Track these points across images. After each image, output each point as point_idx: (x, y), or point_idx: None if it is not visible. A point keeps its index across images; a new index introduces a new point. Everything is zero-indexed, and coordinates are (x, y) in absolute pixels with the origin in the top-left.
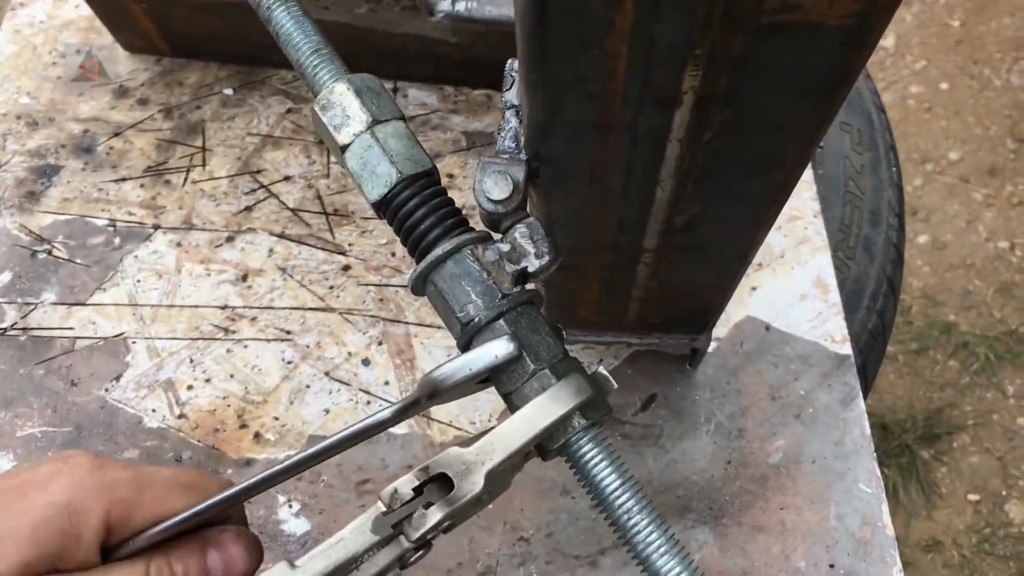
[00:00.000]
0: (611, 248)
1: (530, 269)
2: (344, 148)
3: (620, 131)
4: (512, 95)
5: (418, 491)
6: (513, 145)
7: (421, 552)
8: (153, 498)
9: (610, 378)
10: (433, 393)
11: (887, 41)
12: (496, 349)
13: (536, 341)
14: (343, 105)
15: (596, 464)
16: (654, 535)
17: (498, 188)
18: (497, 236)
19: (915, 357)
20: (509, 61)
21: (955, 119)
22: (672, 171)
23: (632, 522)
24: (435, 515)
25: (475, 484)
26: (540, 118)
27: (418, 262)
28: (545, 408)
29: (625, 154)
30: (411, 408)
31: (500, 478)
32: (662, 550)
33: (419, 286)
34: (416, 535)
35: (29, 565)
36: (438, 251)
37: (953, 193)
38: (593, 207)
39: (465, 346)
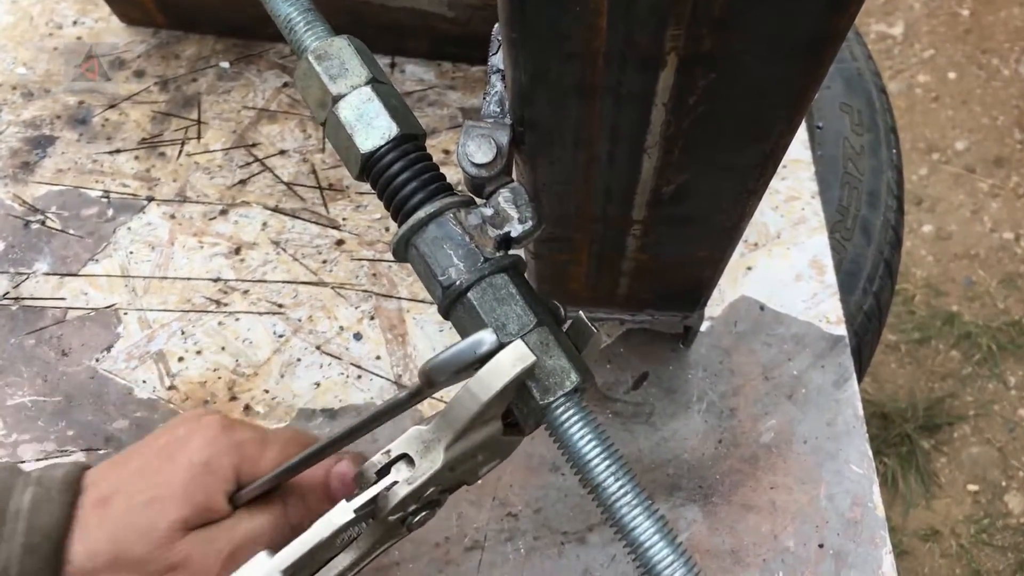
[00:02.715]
0: (599, 219)
1: (513, 234)
2: (338, 98)
3: (604, 94)
4: (498, 59)
5: (383, 472)
6: (498, 110)
7: (425, 514)
8: (273, 454)
9: (591, 326)
10: (430, 384)
11: (895, 29)
12: (477, 344)
13: (503, 313)
14: (342, 58)
15: (573, 431)
16: (631, 502)
17: (481, 152)
18: (481, 202)
19: (917, 347)
20: (496, 25)
21: (962, 109)
22: (658, 137)
23: (609, 489)
24: (399, 493)
25: (435, 461)
26: (523, 80)
27: (400, 225)
28: (485, 380)
29: (609, 118)
30: (417, 395)
31: (465, 456)
32: (640, 518)
33: (401, 249)
34: (386, 512)
35: (186, 520)
36: (421, 213)
37: (959, 183)
38: (579, 175)
39: (446, 311)
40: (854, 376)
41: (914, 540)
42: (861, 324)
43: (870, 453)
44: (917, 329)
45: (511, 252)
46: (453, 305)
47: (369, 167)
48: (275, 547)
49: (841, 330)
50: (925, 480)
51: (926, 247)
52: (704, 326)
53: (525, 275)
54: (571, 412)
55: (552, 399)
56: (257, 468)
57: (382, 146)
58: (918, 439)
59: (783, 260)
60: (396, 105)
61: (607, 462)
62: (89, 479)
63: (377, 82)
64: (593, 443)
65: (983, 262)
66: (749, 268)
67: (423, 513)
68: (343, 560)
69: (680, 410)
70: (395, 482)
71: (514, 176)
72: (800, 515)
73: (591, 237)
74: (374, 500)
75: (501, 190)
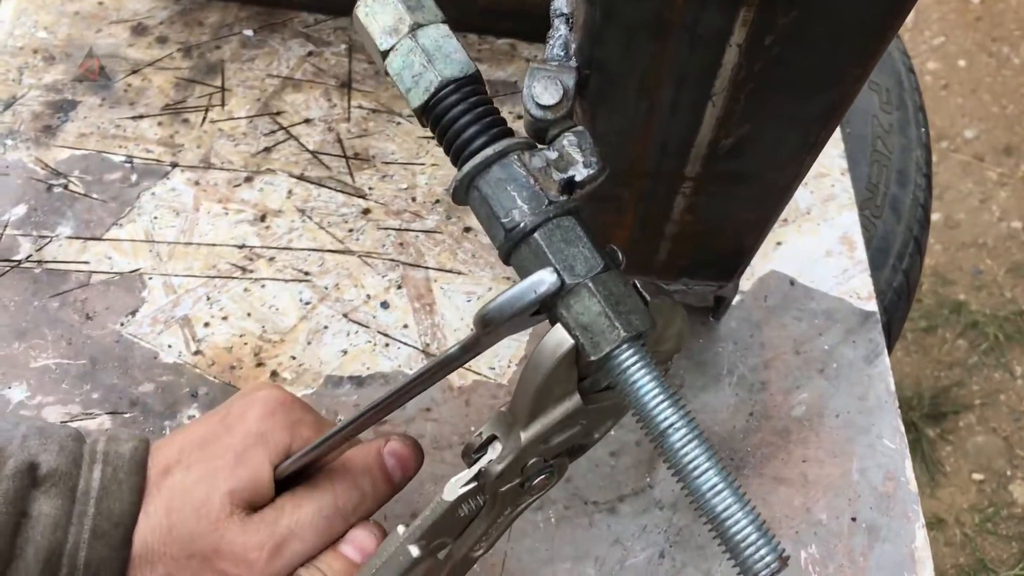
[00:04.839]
0: (651, 175)
1: (577, 178)
2: (386, 53)
3: (679, 32)
4: (562, 2)
5: (480, 450)
6: (562, 53)
7: (543, 477)
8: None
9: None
10: (486, 327)
11: None
12: (537, 284)
13: (572, 254)
14: (385, 9)
15: (629, 382)
16: (697, 452)
17: (548, 93)
18: (544, 146)
19: (924, 335)
20: None
21: (972, 97)
22: (726, 83)
23: (669, 439)
24: (492, 471)
25: (516, 441)
26: (596, 18)
27: (460, 167)
28: (530, 369)
29: (680, 61)
30: (472, 347)
31: (552, 430)
32: (705, 466)
33: (462, 191)
34: (492, 487)
35: (233, 492)
36: (488, 151)
37: (967, 171)
38: (638, 125)
39: (507, 254)
40: (885, 351)
41: None
42: (891, 301)
43: (902, 428)
44: (924, 318)
45: (575, 197)
46: (516, 247)
47: (427, 114)
48: (324, 536)
49: (872, 306)
50: (930, 469)
51: (934, 235)
52: (734, 300)
53: None
54: (624, 363)
55: (601, 354)
56: (303, 449)
57: (429, 99)
58: (924, 428)
59: (813, 236)
60: (440, 51)
61: (666, 412)
62: (154, 451)
63: (420, 27)
64: (652, 392)
65: (991, 251)
66: (779, 243)
67: (541, 477)
68: (479, 525)
69: (711, 383)
70: (490, 460)
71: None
72: (832, 488)
73: (640, 196)
74: (476, 478)
75: (565, 133)
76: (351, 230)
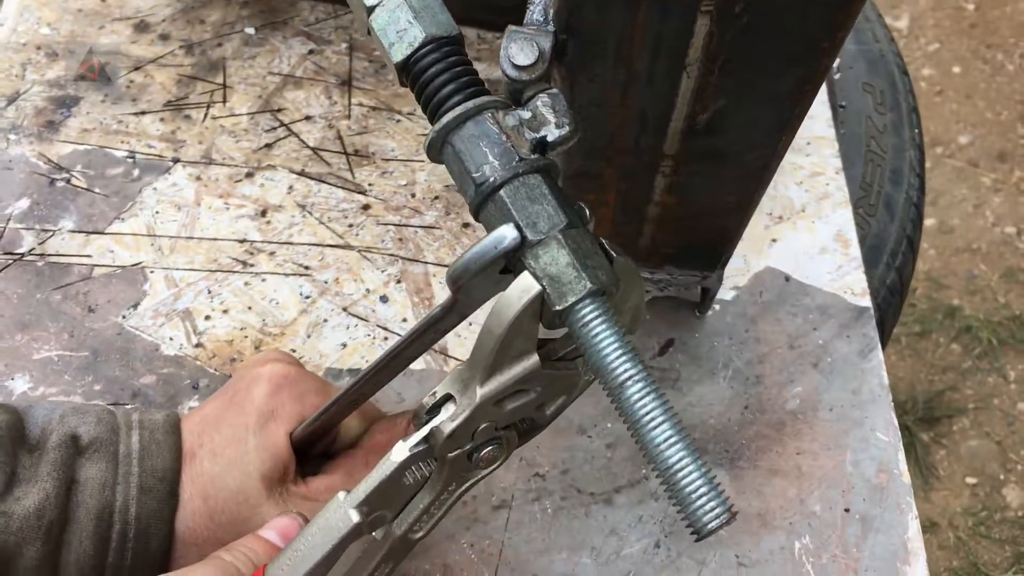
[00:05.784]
0: (631, 151)
1: (550, 138)
2: (371, 9)
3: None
4: None
5: (433, 411)
6: (541, 19)
7: (491, 449)
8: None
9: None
10: (456, 284)
11: (901, 23)
12: (497, 239)
13: (535, 211)
14: None
15: (589, 334)
16: (653, 405)
17: (523, 54)
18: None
19: (918, 339)
20: None
21: (966, 103)
22: (700, 52)
23: (626, 391)
24: (444, 430)
25: (472, 398)
26: None
27: (436, 123)
28: (496, 315)
29: (654, 27)
30: (451, 306)
31: (507, 390)
32: (660, 418)
33: (436, 147)
34: (440, 449)
35: (264, 474)
36: (459, 110)
37: (962, 177)
38: (616, 95)
39: (476, 210)
40: (879, 346)
41: None
42: (884, 298)
43: (895, 421)
44: (918, 322)
45: (546, 156)
46: (485, 203)
47: (406, 73)
48: None
49: (866, 301)
50: (924, 472)
51: (928, 240)
52: (730, 295)
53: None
54: (587, 316)
55: (566, 304)
56: (312, 416)
57: (411, 54)
58: (917, 431)
59: (808, 233)
60: (425, 9)
61: (626, 365)
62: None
63: None
64: (611, 346)
65: (985, 256)
66: (774, 240)
67: (488, 449)
68: (422, 499)
69: (706, 376)
70: (442, 420)
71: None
72: (826, 480)
73: (620, 173)
74: (426, 439)
75: (540, 95)
76: (351, 225)
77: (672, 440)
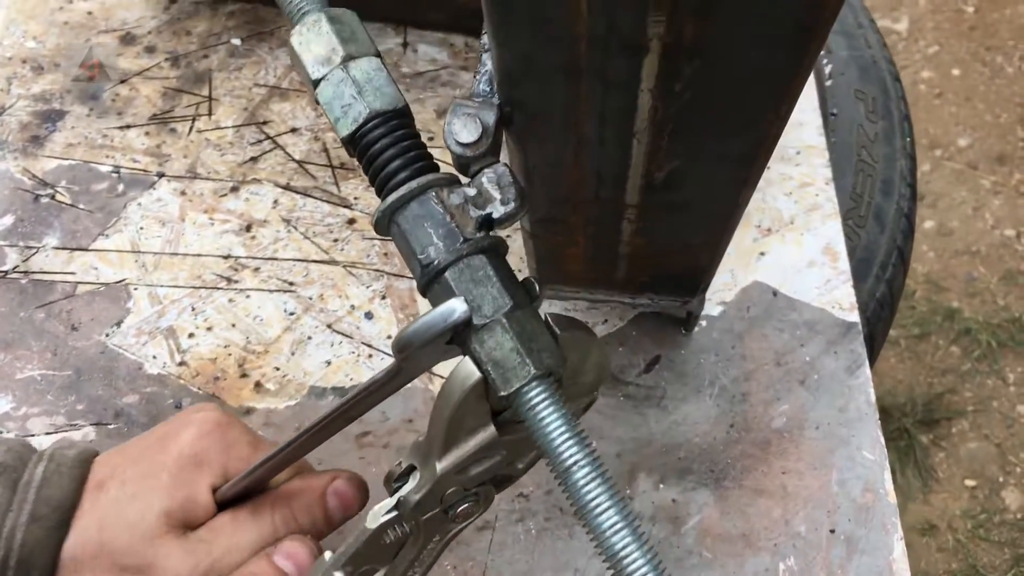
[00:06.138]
0: (593, 201)
1: (495, 215)
2: (316, 82)
3: (590, 77)
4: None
5: (401, 479)
6: (488, 88)
7: (467, 506)
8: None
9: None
10: (402, 353)
11: (900, 25)
12: (446, 312)
13: (479, 294)
14: (319, 39)
15: (536, 418)
16: (599, 491)
17: (466, 131)
18: (466, 180)
19: (917, 342)
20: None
21: (966, 105)
22: (646, 123)
23: (573, 476)
24: (411, 500)
25: (432, 472)
26: (508, 61)
27: (383, 200)
28: (440, 403)
29: (597, 102)
30: (396, 373)
31: (468, 461)
32: (605, 504)
33: (383, 225)
34: (410, 516)
35: (170, 513)
36: (403, 191)
37: (961, 179)
38: (569, 157)
39: (424, 289)
40: (867, 363)
41: (911, 534)
42: (873, 312)
43: (882, 440)
44: (917, 324)
45: (492, 234)
46: (431, 284)
47: (354, 146)
48: None
49: (854, 317)
50: (923, 475)
51: (927, 243)
52: (716, 311)
53: (523, 254)
54: (532, 399)
55: (511, 389)
56: (245, 469)
57: (356, 130)
58: (916, 434)
59: (796, 246)
60: (370, 83)
61: (572, 450)
62: (96, 462)
63: (352, 58)
64: (557, 430)
65: (984, 259)
66: (762, 253)
67: (463, 507)
68: (408, 552)
69: (692, 394)
70: (409, 490)
71: (503, 156)
72: (811, 500)
73: (586, 219)
74: (396, 506)
75: (485, 170)
76: (336, 240)
77: (617, 527)
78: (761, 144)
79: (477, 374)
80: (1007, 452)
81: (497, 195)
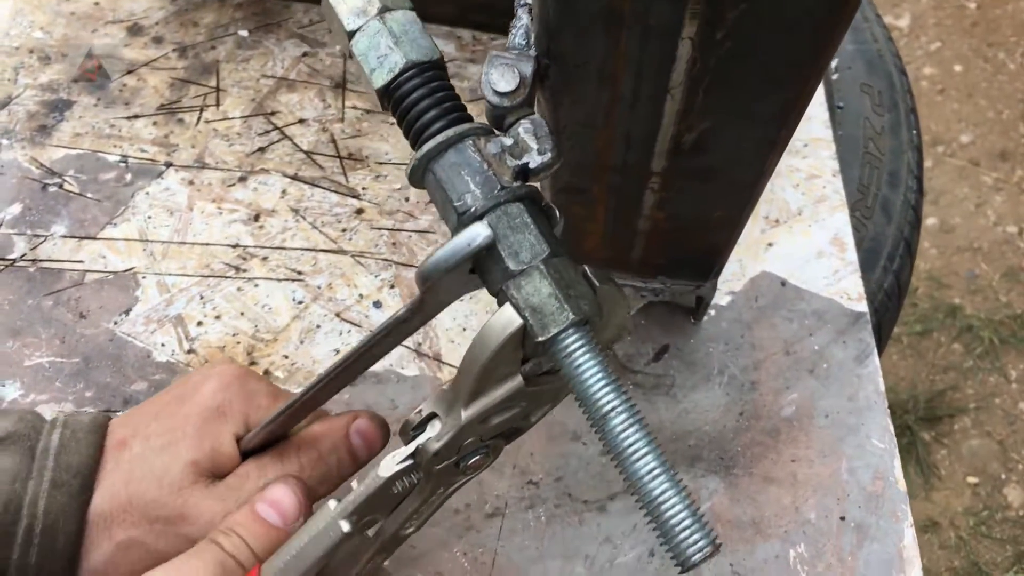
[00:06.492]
0: (618, 169)
1: (531, 165)
2: (352, 33)
3: (631, 24)
4: None
5: (420, 427)
6: (523, 42)
7: (479, 458)
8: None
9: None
10: (425, 283)
11: (902, 21)
12: (470, 237)
13: (517, 240)
14: None
15: (573, 365)
16: (637, 436)
17: (504, 80)
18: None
19: (919, 339)
20: None
21: (968, 102)
22: (683, 76)
23: (611, 423)
24: (430, 448)
25: (457, 419)
26: (550, 11)
27: (417, 150)
28: (478, 346)
29: (635, 53)
30: (419, 307)
31: (492, 410)
32: (644, 450)
33: (418, 174)
34: (427, 465)
35: (197, 463)
36: (440, 138)
37: (963, 176)
38: (600, 116)
39: None
40: (875, 352)
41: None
42: (881, 302)
43: (892, 428)
44: (919, 321)
45: (529, 184)
46: None
47: (388, 98)
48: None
49: (862, 306)
50: (925, 472)
51: (929, 239)
52: (725, 300)
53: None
54: (570, 346)
55: (549, 335)
56: (265, 417)
57: (392, 80)
58: (918, 431)
59: (804, 237)
60: (406, 34)
61: (609, 396)
62: (112, 425)
63: (388, 10)
64: (594, 376)
65: (986, 255)
66: (770, 244)
67: (476, 458)
68: (412, 502)
69: (701, 382)
70: (428, 438)
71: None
72: (821, 488)
73: (609, 189)
74: (413, 455)
75: (522, 121)
76: (344, 230)
77: (656, 472)
78: (795, 101)
79: (518, 320)
80: (1009, 449)
81: (534, 145)
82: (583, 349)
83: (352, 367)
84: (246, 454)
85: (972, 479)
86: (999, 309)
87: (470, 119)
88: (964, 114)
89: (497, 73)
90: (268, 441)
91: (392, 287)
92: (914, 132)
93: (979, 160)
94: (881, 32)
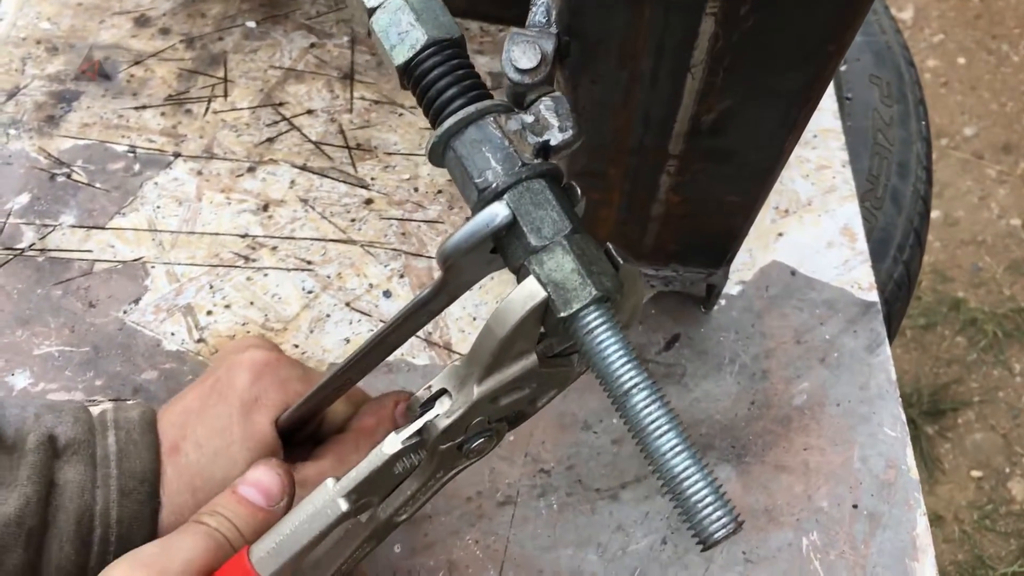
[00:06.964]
0: (635, 151)
1: (553, 142)
2: (372, 10)
3: (653, 1)
4: None
5: (427, 405)
6: (544, 20)
7: (482, 441)
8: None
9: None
10: (446, 263)
11: (905, 14)
12: (490, 216)
13: (539, 216)
14: None
15: (593, 342)
16: (659, 413)
17: (526, 57)
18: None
19: (923, 332)
20: None
21: (971, 94)
22: (704, 54)
23: (637, 399)
24: (439, 425)
25: (469, 395)
26: None
27: (438, 127)
28: (499, 318)
29: (658, 28)
30: (441, 287)
31: (503, 389)
32: (666, 427)
33: (438, 151)
34: (433, 443)
35: (250, 463)
36: (461, 115)
37: (966, 169)
38: (620, 96)
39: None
40: (887, 341)
41: None
42: (891, 292)
43: (903, 417)
44: (923, 315)
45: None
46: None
47: (408, 76)
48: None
49: (873, 296)
50: (929, 465)
51: (933, 232)
52: (735, 290)
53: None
54: (592, 323)
55: (571, 310)
56: (298, 401)
57: (412, 57)
58: (922, 424)
59: (814, 227)
60: (426, 12)
61: (631, 372)
62: (161, 425)
63: None
64: (616, 353)
65: (990, 248)
66: (780, 234)
67: (479, 441)
68: (410, 485)
69: (712, 371)
70: (437, 415)
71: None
72: (833, 476)
73: (625, 172)
74: (419, 432)
75: (543, 98)
76: (353, 220)
77: (678, 449)
78: (816, 79)
79: (542, 292)
80: (1013, 443)
81: (555, 122)
82: (605, 326)
83: (378, 348)
84: (282, 434)
85: (976, 473)
86: (1003, 302)
87: (490, 96)
88: (968, 107)
89: (518, 50)
90: (301, 420)
91: (402, 276)
92: (923, 123)
93: (983, 153)
94: (889, 24)
